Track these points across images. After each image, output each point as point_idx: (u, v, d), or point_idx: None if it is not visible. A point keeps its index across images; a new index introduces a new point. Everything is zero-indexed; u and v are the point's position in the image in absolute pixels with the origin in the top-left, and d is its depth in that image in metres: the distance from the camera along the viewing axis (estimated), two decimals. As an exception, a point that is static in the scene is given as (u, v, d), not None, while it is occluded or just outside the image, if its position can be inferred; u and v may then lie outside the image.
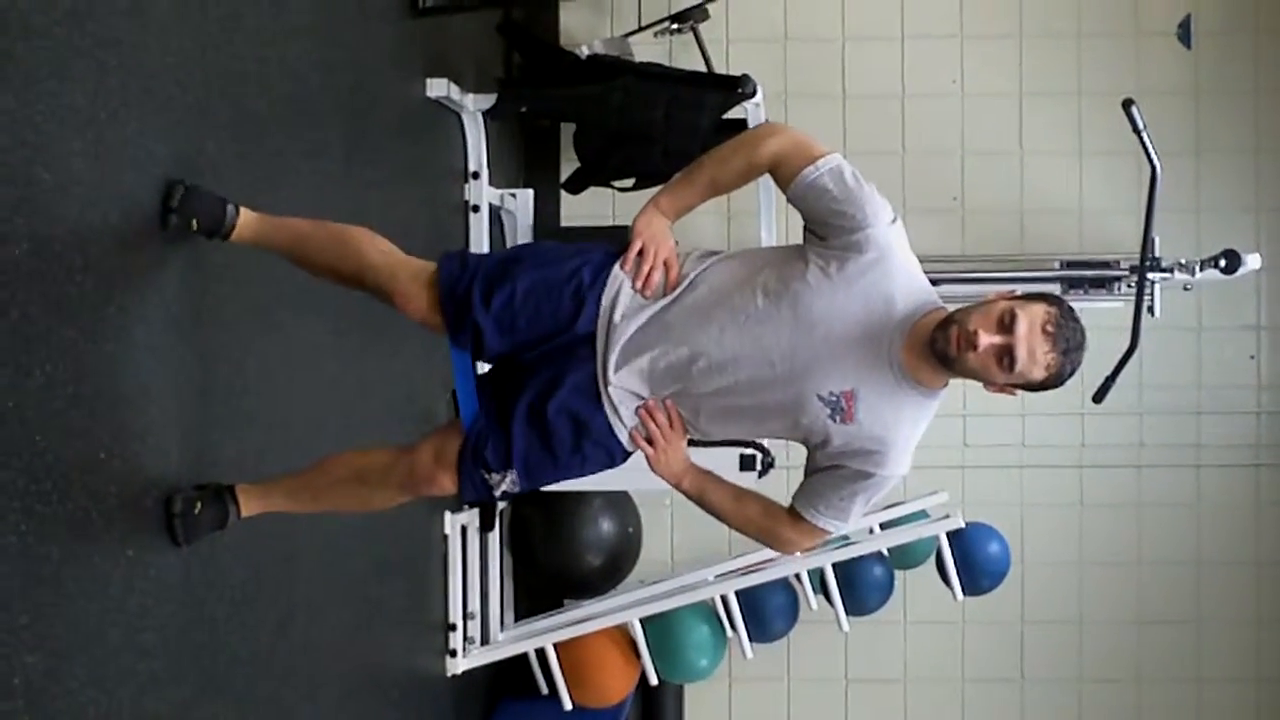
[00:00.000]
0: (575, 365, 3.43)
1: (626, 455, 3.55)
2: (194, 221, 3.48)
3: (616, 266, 3.44)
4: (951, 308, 3.32)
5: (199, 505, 3.54)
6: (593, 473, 3.57)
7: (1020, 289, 3.36)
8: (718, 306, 3.37)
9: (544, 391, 3.45)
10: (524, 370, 3.51)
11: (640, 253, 3.44)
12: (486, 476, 3.50)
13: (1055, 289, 6.69)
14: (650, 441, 3.47)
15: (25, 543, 2.85)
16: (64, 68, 3.00)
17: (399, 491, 3.70)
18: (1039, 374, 3.21)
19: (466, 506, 6.23)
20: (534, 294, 3.43)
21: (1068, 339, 3.20)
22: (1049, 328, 3.18)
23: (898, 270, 3.34)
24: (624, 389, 3.41)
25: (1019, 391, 3.33)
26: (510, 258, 3.56)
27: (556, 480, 3.61)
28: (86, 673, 3.10)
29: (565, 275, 3.45)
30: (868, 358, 3.31)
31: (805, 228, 3.43)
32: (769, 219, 6.62)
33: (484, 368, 3.69)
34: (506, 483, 3.49)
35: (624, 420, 3.45)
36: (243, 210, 3.59)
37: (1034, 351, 3.17)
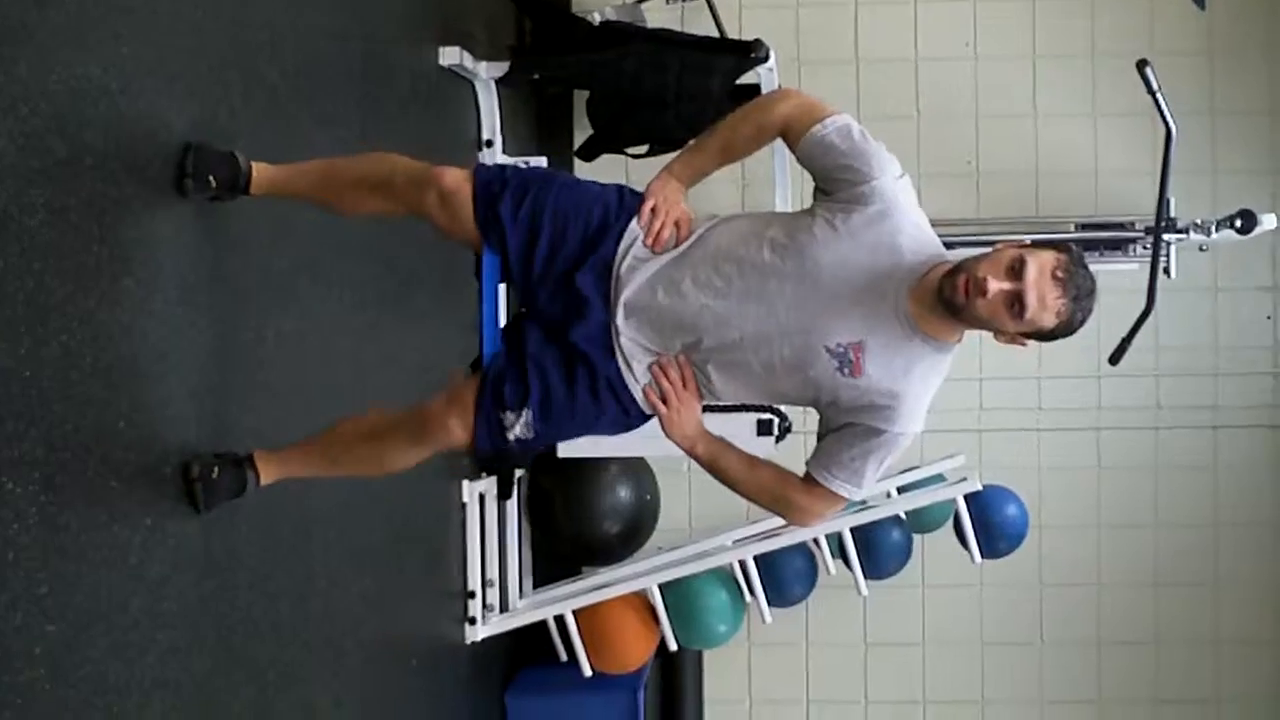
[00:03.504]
0: (589, 309, 3.44)
1: (643, 417, 3.55)
2: (211, 179, 3.50)
3: (634, 221, 3.47)
4: (960, 262, 3.32)
5: (217, 471, 3.55)
6: (608, 428, 3.57)
7: (1030, 239, 3.35)
8: (725, 260, 3.39)
9: (559, 336, 3.47)
10: (541, 315, 3.52)
11: (653, 210, 3.46)
12: (502, 416, 3.48)
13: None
14: (664, 401, 3.47)
15: (45, 512, 2.86)
16: (78, 37, 3.00)
17: (410, 443, 3.68)
18: (1049, 320, 3.21)
19: (485, 474, 6.24)
20: (561, 211, 3.47)
21: (1078, 285, 3.20)
22: (1059, 273, 3.18)
23: (904, 223, 3.35)
24: (634, 341, 3.43)
25: (1030, 342, 3.33)
26: (544, 176, 3.61)
27: (571, 428, 3.58)
28: (107, 642, 3.12)
29: (591, 204, 3.51)
30: (875, 309, 3.32)
31: (815, 188, 3.44)
32: (784, 186, 6.61)
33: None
34: (521, 425, 3.47)
35: (637, 375, 3.46)
36: (255, 162, 3.62)
37: (1044, 297, 3.17)
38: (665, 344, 3.44)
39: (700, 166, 3.58)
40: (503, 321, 3.70)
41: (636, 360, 3.45)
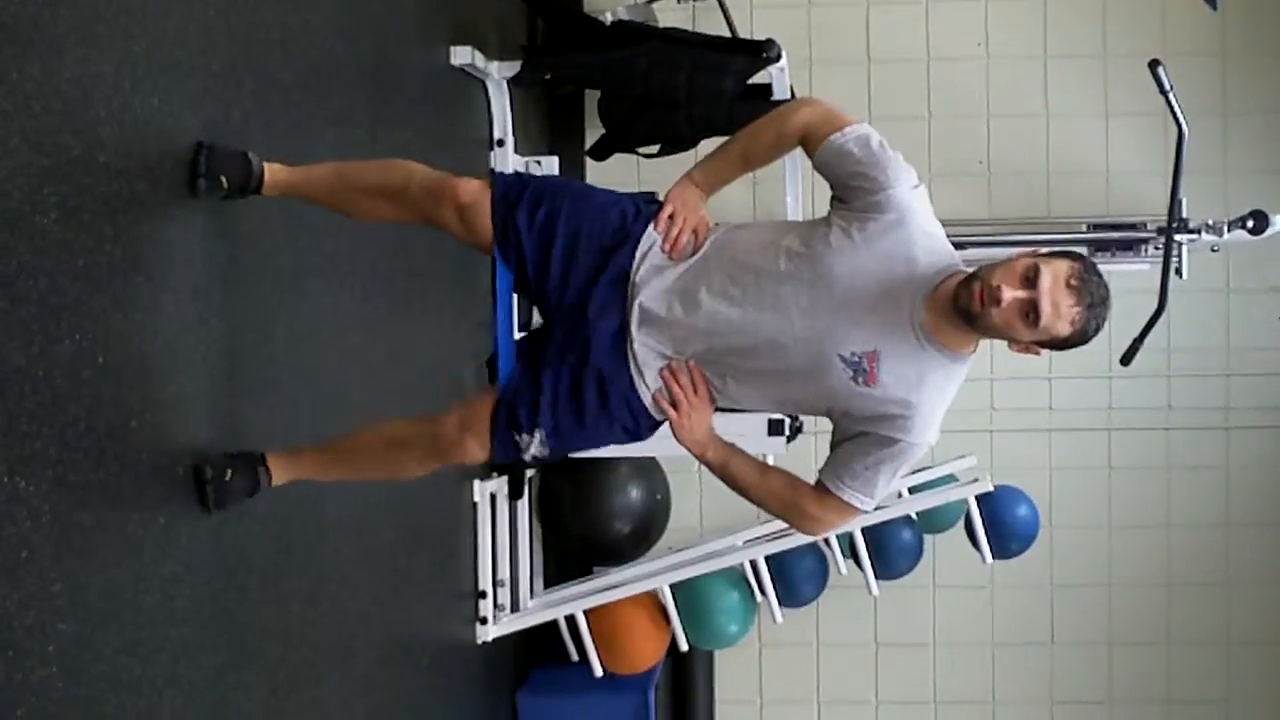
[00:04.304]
0: (603, 315, 3.44)
1: (653, 425, 3.54)
2: (223, 180, 3.49)
3: (651, 227, 3.46)
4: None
5: (229, 472, 3.55)
6: (620, 439, 3.55)
7: (1044, 249, 3.34)
8: (741, 269, 3.38)
9: (572, 348, 3.47)
10: (555, 322, 3.53)
11: (671, 216, 3.46)
12: (517, 438, 3.49)
13: (1082, 251, 6.67)
14: (675, 405, 3.46)
15: (57, 511, 2.85)
16: (90, 35, 3.00)
17: (426, 458, 3.70)
18: (1064, 329, 3.19)
19: (496, 474, 6.24)
20: (576, 217, 3.47)
21: (1092, 293, 3.18)
22: (1073, 281, 3.16)
23: (919, 233, 3.34)
24: (648, 346, 3.42)
25: (1044, 351, 3.31)
26: (561, 183, 3.62)
27: (585, 444, 3.60)
28: (119, 640, 3.12)
29: (607, 210, 3.51)
30: (889, 318, 3.30)
31: (831, 197, 3.44)
32: (794, 185, 6.61)
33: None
34: (536, 444, 3.48)
35: (648, 382, 3.45)
36: (267, 163, 3.62)
37: (1058, 305, 3.15)
38: (678, 349, 3.43)
39: (720, 174, 3.59)
40: (517, 334, 3.69)
41: (649, 367, 3.44)
